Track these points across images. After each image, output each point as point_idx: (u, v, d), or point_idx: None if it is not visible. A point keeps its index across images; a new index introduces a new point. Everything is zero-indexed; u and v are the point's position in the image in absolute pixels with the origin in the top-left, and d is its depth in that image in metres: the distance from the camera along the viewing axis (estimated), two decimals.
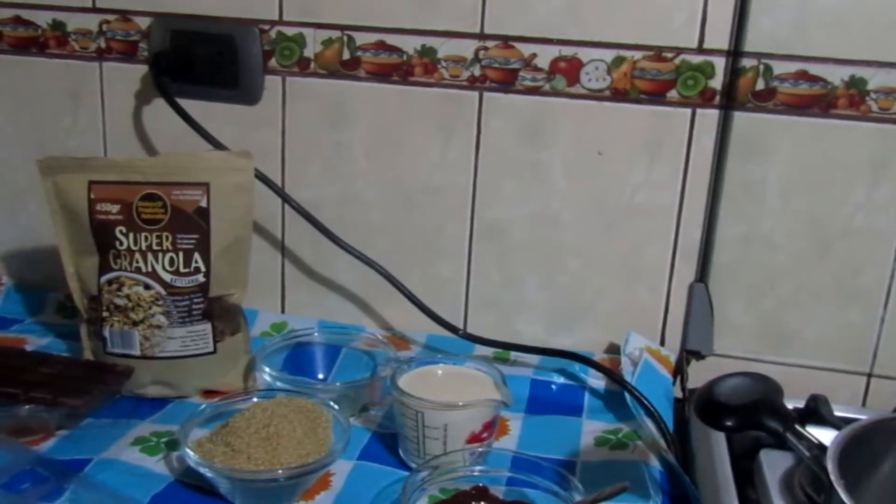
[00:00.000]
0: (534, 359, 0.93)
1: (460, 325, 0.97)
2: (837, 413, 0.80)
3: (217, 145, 0.93)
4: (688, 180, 0.90)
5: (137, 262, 0.81)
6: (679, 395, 0.92)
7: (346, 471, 0.74)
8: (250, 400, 0.77)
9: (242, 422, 0.73)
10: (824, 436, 0.58)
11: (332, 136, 0.97)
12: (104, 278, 0.82)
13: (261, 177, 0.91)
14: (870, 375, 0.92)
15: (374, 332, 0.95)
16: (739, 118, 0.87)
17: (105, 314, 0.83)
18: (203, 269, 0.82)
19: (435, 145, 0.95)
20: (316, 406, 0.76)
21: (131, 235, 0.81)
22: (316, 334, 0.92)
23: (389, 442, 0.79)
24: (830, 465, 0.49)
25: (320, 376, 0.89)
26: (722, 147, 0.88)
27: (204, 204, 0.81)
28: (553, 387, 0.90)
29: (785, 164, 0.88)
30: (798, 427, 0.55)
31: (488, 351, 0.95)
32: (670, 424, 0.82)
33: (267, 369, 0.84)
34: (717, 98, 0.87)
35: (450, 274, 0.98)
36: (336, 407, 0.76)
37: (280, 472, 0.68)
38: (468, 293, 0.99)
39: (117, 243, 0.81)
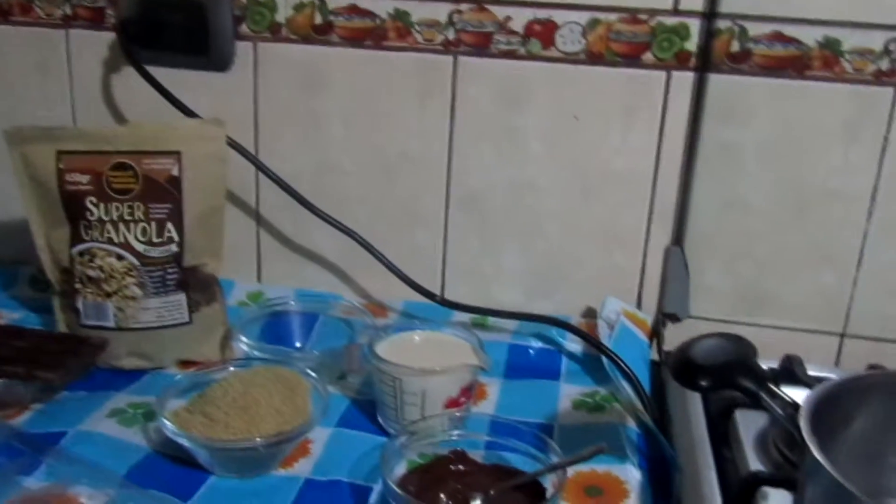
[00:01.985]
0: (511, 324, 0.94)
1: (438, 293, 0.97)
2: (811, 373, 0.81)
3: (188, 113, 0.92)
4: (664, 144, 0.90)
5: (109, 232, 0.80)
6: (656, 357, 0.92)
7: (324, 438, 0.75)
8: (227, 370, 0.77)
9: (220, 391, 0.72)
10: (798, 395, 0.59)
11: (306, 104, 0.95)
12: (76, 250, 0.81)
13: (234, 145, 0.90)
14: (843, 336, 0.93)
15: (351, 301, 0.94)
16: (715, 81, 0.87)
17: (78, 286, 0.82)
18: (176, 238, 0.81)
19: (411, 112, 0.94)
20: (294, 374, 0.76)
21: (102, 206, 0.80)
22: (293, 303, 0.91)
23: (368, 409, 0.79)
24: (803, 423, 0.50)
25: (298, 345, 0.88)
26: (698, 110, 0.88)
27: (176, 173, 0.80)
28: (531, 351, 0.90)
29: (761, 127, 0.88)
30: (772, 386, 0.56)
31: (466, 317, 0.95)
32: (647, 387, 0.83)
33: (244, 339, 0.84)
34: (693, 61, 0.87)
35: (427, 241, 0.98)
36: (314, 375, 0.76)
37: (258, 440, 0.68)
38: (445, 260, 0.99)
39: (88, 214, 0.80)
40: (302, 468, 0.71)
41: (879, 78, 0.84)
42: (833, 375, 0.60)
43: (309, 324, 0.90)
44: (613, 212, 0.93)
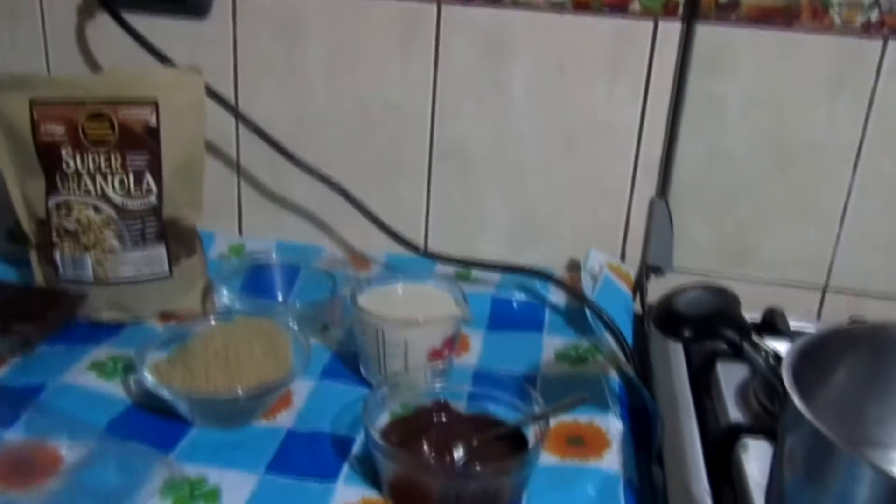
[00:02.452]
0: (495, 276, 0.93)
1: (421, 244, 0.96)
2: (793, 325, 0.81)
3: (165, 62, 0.90)
4: (650, 96, 0.89)
5: (86, 184, 0.79)
6: (639, 310, 0.92)
7: (307, 389, 0.74)
8: (208, 322, 0.76)
9: (201, 344, 0.72)
10: (780, 348, 0.59)
11: (286, 53, 0.94)
12: (52, 202, 0.80)
13: (213, 94, 0.88)
14: (825, 289, 0.93)
15: (333, 253, 0.94)
16: (702, 31, 0.85)
17: (55, 239, 0.80)
18: (155, 190, 0.80)
19: (393, 62, 0.92)
20: (275, 326, 0.75)
21: (78, 157, 0.78)
22: (274, 255, 0.91)
23: (350, 360, 0.78)
24: (785, 374, 0.50)
25: (279, 297, 0.88)
26: (684, 61, 0.87)
27: (153, 123, 0.79)
28: (514, 303, 0.90)
29: (748, 79, 0.87)
30: (755, 337, 0.56)
31: (449, 269, 0.94)
32: (630, 339, 0.83)
33: (225, 291, 0.83)
34: (680, 10, 0.86)
35: (410, 192, 0.97)
36: (296, 327, 0.76)
37: (240, 392, 0.68)
38: (429, 212, 0.98)
39: (64, 165, 0.78)
40: (284, 419, 0.71)
41: (868, 30, 0.83)
42: (815, 328, 0.60)
43: (291, 276, 0.89)
44: (598, 164, 0.92)
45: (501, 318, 0.87)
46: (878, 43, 0.83)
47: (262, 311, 0.79)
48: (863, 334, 0.58)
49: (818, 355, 0.55)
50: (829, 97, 0.86)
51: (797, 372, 0.51)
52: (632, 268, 0.94)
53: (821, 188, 0.89)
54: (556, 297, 0.90)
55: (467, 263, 0.93)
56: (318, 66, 0.94)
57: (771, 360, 0.54)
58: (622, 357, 0.80)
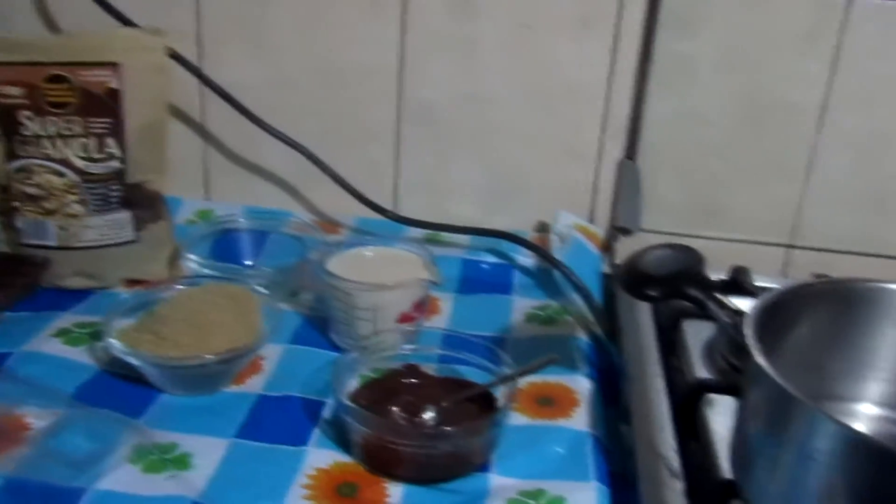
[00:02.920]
0: (465, 239, 0.93)
1: (391, 208, 0.96)
2: (759, 283, 0.82)
3: (126, 23, 0.88)
4: (618, 55, 0.89)
5: (46, 148, 0.77)
6: (608, 270, 0.93)
7: (277, 354, 0.74)
8: (176, 288, 0.76)
9: (169, 309, 0.71)
10: (746, 305, 0.59)
11: (252, 13, 0.92)
12: (12, 166, 0.78)
13: (176, 56, 0.87)
14: (791, 247, 0.94)
15: (302, 217, 0.93)
16: None
17: (16, 204, 0.79)
18: (118, 154, 0.79)
19: (362, 21, 0.91)
20: (244, 291, 0.75)
21: (38, 120, 0.76)
22: (242, 220, 0.90)
23: (321, 325, 0.78)
24: (747, 330, 0.51)
25: (248, 263, 0.87)
26: (652, 20, 0.86)
27: (115, 85, 0.77)
28: (484, 266, 0.90)
29: (716, 37, 0.87)
30: (718, 295, 0.57)
31: (420, 233, 0.94)
32: (599, 299, 0.83)
33: (193, 257, 0.82)
34: None
35: (379, 155, 0.96)
36: (265, 292, 0.76)
37: (209, 357, 0.67)
38: (399, 175, 0.97)
39: (23, 129, 0.77)
40: (254, 384, 0.71)
41: None
42: (779, 285, 0.61)
43: (259, 241, 0.89)
44: (567, 124, 0.92)
45: (471, 281, 0.88)
46: (844, 0, 0.83)
47: (231, 277, 0.78)
48: (825, 290, 0.59)
49: (781, 312, 0.55)
50: (799, 55, 0.86)
51: (760, 328, 0.51)
52: (601, 228, 0.95)
53: (789, 146, 0.90)
54: (526, 258, 0.90)
55: (437, 227, 0.93)
56: (284, 27, 0.92)
57: (735, 318, 0.55)
58: (591, 317, 0.80)
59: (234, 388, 0.70)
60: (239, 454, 0.63)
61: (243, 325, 0.71)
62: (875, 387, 0.62)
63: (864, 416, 0.62)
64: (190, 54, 0.91)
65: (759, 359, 0.49)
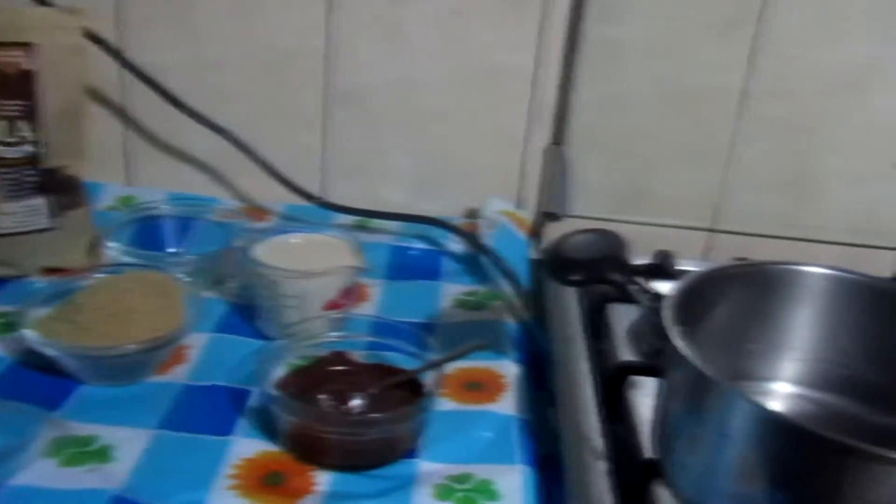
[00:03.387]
0: (394, 225, 0.93)
1: (320, 194, 0.95)
2: (682, 267, 0.83)
3: (42, 1, 0.85)
4: (545, 41, 0.89)
5: None
6: (536, 256, 0.94)
7: (202, 343, 0.73)
8: (96, 276, 0.73)
9: (88, 298, 0.69)
10: (670, 289, 0.61)
11: None
12: None
13: (93, 37, 0.84)
14: (713, 231, 0.96)
15: (228, 203, 0.91)
16: None
17: None
18: (32, 138, 0.76)
19: (288, 4, 0.89)
20: (167, 279, 0.73)
21: None
22: (166, 207, 0.88)
23: (247, 313, 0.77)
24: (666, 313, 0.52)
25: (172, 250, 0.85)
26: (579, 6, 0.87)
27: (28, 66, 0.74)
28: (413, 252, 0.90)
29: (642, 23, 0.88)
30: (639, 279, 0.58)
31: (348, 219, 0.93)
32: (527, 284, 0.84)
33: (113, 244, 0.80)
34: None
35: (308, 140, 0.95)
36: (189, 279, 0.74)
37: (130, 346, 0.66)
38: (327, 160, 0.96)
39: None
40: (178, 374, 0.69)
41: None
42: (701, 269, 0.62)
43: (184, 228, 0.87)
44: (496, 110, 0.92)
45: (400, 267, 0.87)
46: None
47: (154, 264, 0.76)
48: (742, 273, 0.61)
49: (700, 295, 0.56)
50: (721, 42, 0.88)
51: (679, 311, 0.53)
52: (530, 214, 0.95)
53: (711, 132, 0.92)
54: (455, 244, 0.91)
55: (366, 213, 0.93)
56: (210, 9, 0.90)
57: (655, 301, 0.56)
58: (519, 302, 0.81)
59: (157, 378, 0.69)
60: (162, 445, 0.62)
61: (166, 314, 0.70)
62: (790, 366, 0.64)
63: (779, 395, 0.64)
64: (110, 35, 0.89)
65: (677, 341, 0.50)
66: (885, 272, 0.93)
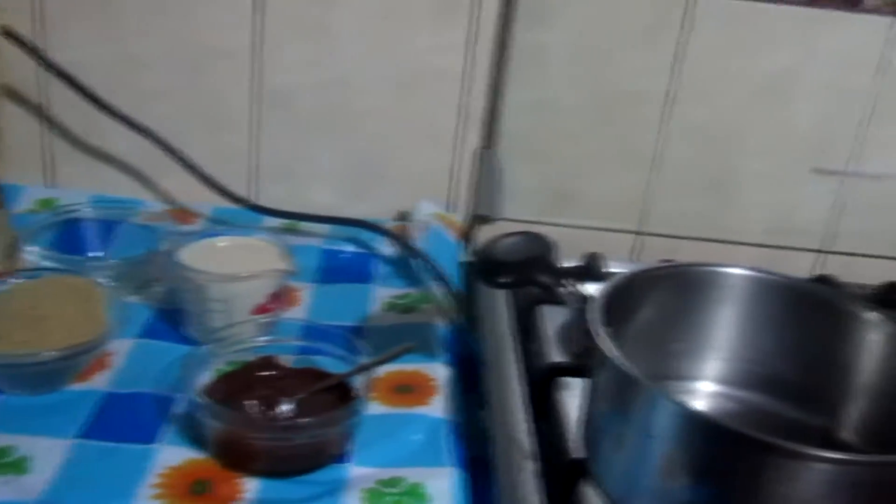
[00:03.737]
0: (325, 228, 0.92)
1: (249, 196, 0.94)
2: (611, 269, 0.85)
3: None
4: (476, 44, 0.90)
5: None
6: (467, 258, 0.94)
7: (126, 349, 0.71)
8: (12, 281, 0.71)
9: (5, 304, 0.68)
10: (596, 290, 0.62)
11: None
12: None
13: (10, 34, 0.81)
14: (640, 233, 0.98)
15: (153, 206, 0.89)
16: None
17: None
18: None
19: (216, 2, 0.88)
20: (88, 284, 0.71)
21: None
22: (89, 209, 0.85)
23: (173, 318, 0.76)
24: (592, 314, 0.52)
25: (95, 253, 0.83)
26: (509, 10, 0.88)
27: None
28: (343, 255, 0.89)
29: (569, 28, 0.89)
30: (568, 281, 0.58)
31: (278, 222, 0.92)
32: (458, 287, 0.84)
33: (33, 248, 0.78)
34: None
35: (237, 142, 0.94)
36: (112, 284, 0.72)
37: (49, 353, 0.64)
38: (257, 163, 0.95)
39: None
40: (100, 381, 0.67)
41: None
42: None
43: (107, 231, 0.85)
44: (427, 113, 0.92)
45: (331, 270, 0.87)
46: None
47: (75, 268, 0.74)
48: (667, 275, 0.62)
49: (625, 296, 0.57)
50: (646, 48, 0.89)
51: (605, 312, 0.53)
52: (461, 217, 0.96)
53: (638, 135, 0.93)
54: (386, 247, 0.90)
55: (295, 216, 0.91)
56: (131, 4, 0.88)
57: (582, 302, 0.57)
58: (450, 305, 0.81)
59: (78, 386, 0.67)
60: (82, 455, 0.60)
61: (86, 320, 0.68)
62: (713, 365, 0.66)
63: (702, 394, 0.65)
64: (27, 31, 0.86)
65: (603, 341, 0.51)
66: (804, 273, 0.97)
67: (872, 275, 0.95)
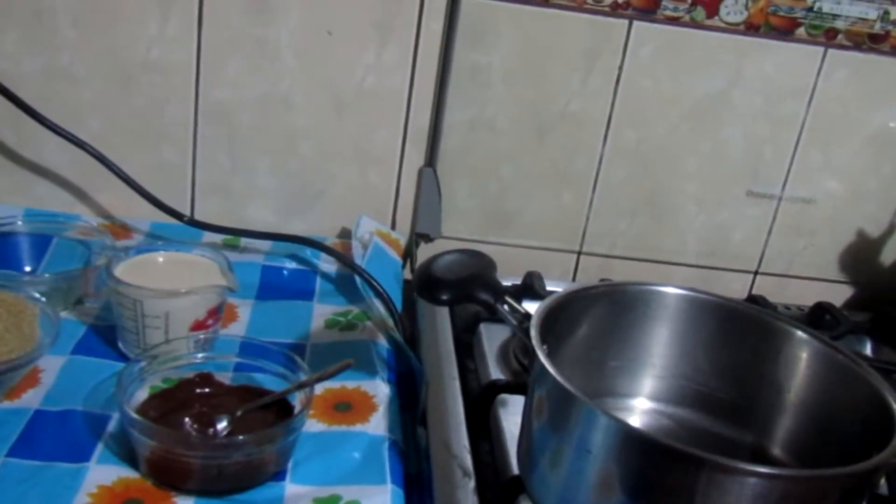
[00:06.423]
0: (265, 245, 0.91)
1: (187, 212, 0.93)
2: (550, 287, 0.86)
3: None
4: (417, 64, 0.90)
5: None
6: (409, 276, 0.94)
7: (57, 366, 0.69)
8: None
9: None
10: (535, 309, 0.62)
11: (29, 1, 0.85)
12: None
13: None
14: (579, 253, 1.00)
15: (89, 221, 0.87)
16: (467, 3, 0.88)
17: None
18: None
19: (152, 15, 0.87)
20: (18, 299, 0.69)
21: None
22: (20, 223, 0.83)
23: (108, 335, 0.74)
24: (532, 331, 0.53)
25: (27, 268, 0.81)
26: (450, 32, 0.89)
27: None
28: (284, 272, 0.89)
29: (508, 50, 0.90)
30: (508, 299, 0.59)
31: (218, 238, 0.91)
32: (399, 305, 0.84)
33: None
34: None
35: (174, 158, 0.92)
36: (43, 299, 0.70)
37: None
38: (195, 178, 0.94)
39: None
40: (30, 399, 0.66)
41: (615, 9, 0.89)
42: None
43: (40, 246, 0.83)
44: (368, 131, 0.93)
45: (271, 287, 0.86)
46: (625, 22, 0.89)
47: (5, 283, 0.72)
48: (603, 293, 0.63)
49: (564, 314, 0.58)
50: (583, 71, 0.91)
51: (544, 330, 0.54)
52: (402, 235, 0.96)
53: (576, 157, 0.95)
54: (327, 264, 0.90)
55: (236, 231, 0.91)
56: (66, 13, 0.86)
57: (522, 320, 0.57)
58: (391, 322, 0.81)
59: (6, 404, 0.65)
60: (9, 475, 0.58)
61: (14, 335, 0.66)
62: (649, 382, 0.67)
63: (638, 410, 0.66)
64: None
65: (541, 358, 0.51)
66: (737, 293, 0.99)
67: (804, 295, 0.99)
